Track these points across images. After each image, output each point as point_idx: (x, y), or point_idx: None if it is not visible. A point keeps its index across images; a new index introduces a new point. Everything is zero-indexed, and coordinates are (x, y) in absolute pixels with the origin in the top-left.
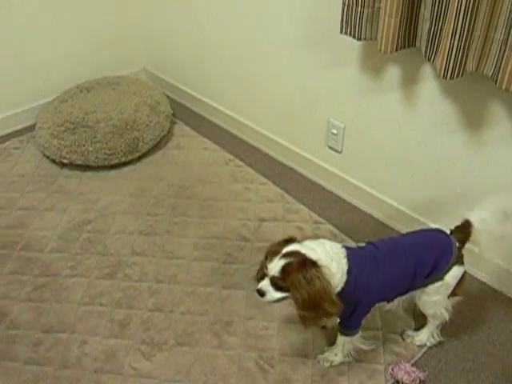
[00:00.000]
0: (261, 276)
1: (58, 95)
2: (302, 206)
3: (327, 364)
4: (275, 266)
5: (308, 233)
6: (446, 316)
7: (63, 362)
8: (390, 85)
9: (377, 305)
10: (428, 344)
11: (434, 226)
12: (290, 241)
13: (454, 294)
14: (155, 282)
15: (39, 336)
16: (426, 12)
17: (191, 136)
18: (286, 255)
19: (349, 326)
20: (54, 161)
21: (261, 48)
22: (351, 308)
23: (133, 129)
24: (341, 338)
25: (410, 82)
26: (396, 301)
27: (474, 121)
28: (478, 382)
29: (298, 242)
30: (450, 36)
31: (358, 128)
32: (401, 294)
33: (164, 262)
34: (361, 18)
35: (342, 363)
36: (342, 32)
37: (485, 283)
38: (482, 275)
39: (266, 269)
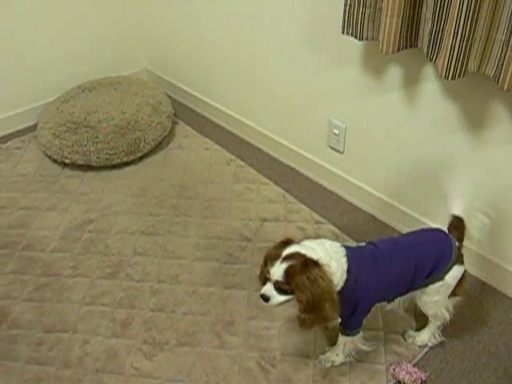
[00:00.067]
0: (263, 281)
1: (59, 95)
2: (303, 206)
3: (328, 364)
4: (278, 271)
5: (309, 233)
6: (447, 316)
7: (65, 361)
8: (391, 85)
9: (378, 305)
10: (429, 344)
11: (435, 226)
12: (287, 242)
13: (454, 294)
14: (157, 281)
15: (41, 336)
16: (427, 12)
17: (193, 136)
18: (286, 258)
19: (350, 325)
20: (55, 161)
21: (262, 48)
22: (351, 308)
23: (134, 129)
24: (342, 338)
25: (411, 82)
26: (397, 301)
27: (475, 121)
28: (480, 382)
29: (296, 242)
30: (451, 36)
31: (360, 128)
32: (401, 294)
33: (166, 262)
34: (362, 18)
35: (343, 363)
36: (343, 32)
37: (486, 284)
38: (483, 275)
39: (268, 274)
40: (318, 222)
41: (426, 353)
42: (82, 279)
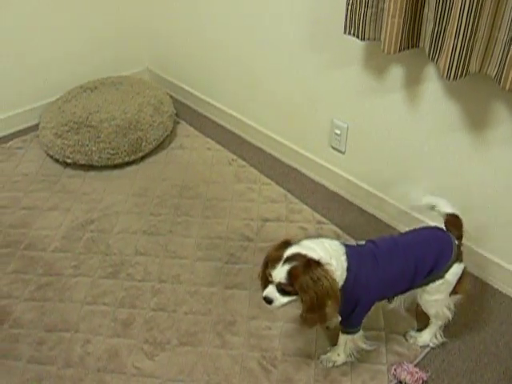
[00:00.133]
0: (264, 283)
1: (61, 95)
2: (305, 207)
3: (330, 364)
4: (280, 273)
5: (311, 233)
6: (449, 315)
7: (66, 361)
8: (393, 85)
9: (379, 305)
10: (431, 345)
11: (434, 224)
12: (287, 243)
13: (455, 292)
14: (158, 281)
15: (42, 335)
16: (429, 13)
17: (194, 136)
18: (288, 259)
19: (350, 324)
20: (57, 160)
21: (264, 48)
22: (351, 306)
23: (136, 129)
24: (343, 337)
25: (413, 82)
26: (398, 300)
27: (477, 121)
28: (481, 382)
29: (295, 242)
30: (453, 36)
31: (362, 128)
32: (401, 293)
33: (167, 262)
34: (364, 19)
35: (344, 363)
36: (345, 32)
37: (488, 284)
38: (485, 276)
39: (270, 276)
40: (319, 222)
41: (428, 353)
42: (83, 279)
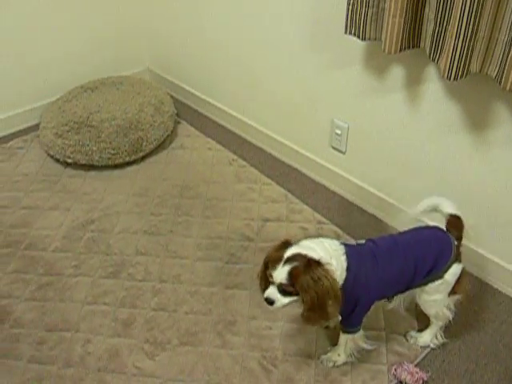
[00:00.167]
0: (264, 284)
1: (61, 95)
2: (305, 207)
3: (330, 364)
4: (281, 273)
5: (312, 233)
6: (449, 315)
7: (67, 360)
8: (394, 85)
9: (380, 305)
10: (431, 345)
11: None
12: (286, 244)
13: (454, 292)
14: (159, 281)
15: (43, 335)
16: (430, 13)
17: (195, 136)
18: (288, 260)
19: (350, 323)
20: (57, 160)
21: (264, 48)
22: (351, 305)
23: (137, 129)
24: (343, 337)
25: (414, 82)
26: (397, 300)
27: (478, 122)
28: (481, 382)
29: (295, 243)
30: (454, 37)
31: (362, 128)
32: (401, 292)
33: (168, 262)
34: (365, 18)
35: (345, 363)
36: (346, 32)
37: (488, 284)
38: (485, 276)
39: (271, 277)
40: (320, 222)
41: (428, 353)
42: (84, 278)
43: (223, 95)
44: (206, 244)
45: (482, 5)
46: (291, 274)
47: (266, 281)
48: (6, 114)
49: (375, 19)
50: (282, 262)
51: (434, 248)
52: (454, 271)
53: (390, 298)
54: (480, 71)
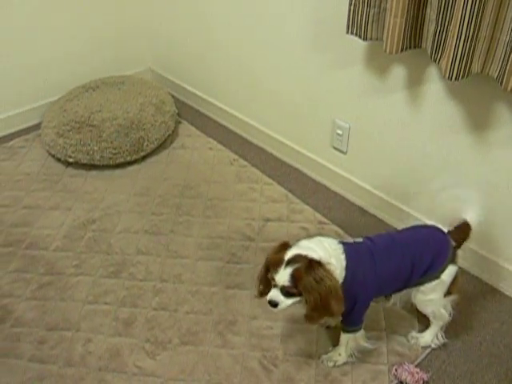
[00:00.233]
0: (267, 289)
1: (62, 94)
2: (306, 207)
3: (331, 364)
4: (283, 276)
5: (312, 233)
6: (446, 315)
7: (67, 360)
8: (395, 85)
9: (380, 305)
10: (432, 345)
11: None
12: (285, 245)
13: (449, 292)
14: (160, 281)
15: (44, 334)
16: (431, 13)
17: (196, 136)
18: (289, 262)
19: (351, 322)
20: (59, 159)
21: (266, 48)
22: (351, 304)
23: (138, 128)
24: (344, 336)
25: (415, 82)
26: (396, 298)
27: (479, 122)
28: (482, 383)
29: (293, 244)
30: (455, 37)
31: (363, 129)
32: (398, 290)
33: (168, 262)
34: (367, 18)
35: (345, 363)
36: (348, 32)
37: (489, 284)
38: (486, 277)
39: (273, 280)
40: (321, 223)
41: (428, 353)
42: (85, 278)
43: (224, 95)
44: (207, 244)
45: (484, 5)
46: (293, 276)
47: (266, 284)
48: (6, 113)
49: (377, 19)
50: (284, 265)
51: (431, 247)
52: (450, 272)
53: (387, 296)
54: (481, 72)
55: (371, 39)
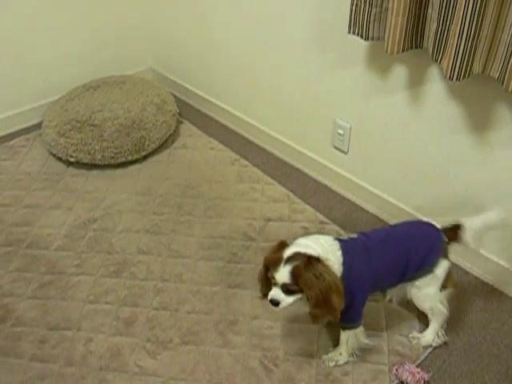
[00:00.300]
0: (266, 288)
1: (63, 94)
2: (307, 206)
3: (332, 364)
4: (283, 274)
5: (313, 233)
6: (444, 310)
7: (68, 359)
8: (396, 85)
9: (381, 305)
10: (434, 344)
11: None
12: (283, 244)
13: (444, 287)
14: (161, 280)
15: (44, 333)
16: (433, 13)
17: (197, 135)
18: (288, 260)
19: (351, 318)
20: (60, 159)
21: (267, 48)
22: (349, 299)
23: (139, 128)
24: (344, 335)
25: (416, 82)
26: (391, 295)
27: (480, 122)
28: (482, 383)
29: (291, 242)
30: (456, 36)
31: (364, 129)
32: (393, 284)
33: (170, 261)
34: (369, 18)
35: (346, 363)
36: (349, 32)
37: (489, 284)
38: (487, 277)
39: (274, 279)
40: (322, 222)
41: (429, 353)
42: (85, 277)
43: (226, 95)
44: (208, 243)
45: (485, 5)
46: (293, 273)
47: (266, 283)
48: (7, 113)
49: (378, 19)
50: (283, 263)
51: (425, 241)
52: (443, 266)
53: (383, 291)
54: (482, 72)
55: (373, 39)
